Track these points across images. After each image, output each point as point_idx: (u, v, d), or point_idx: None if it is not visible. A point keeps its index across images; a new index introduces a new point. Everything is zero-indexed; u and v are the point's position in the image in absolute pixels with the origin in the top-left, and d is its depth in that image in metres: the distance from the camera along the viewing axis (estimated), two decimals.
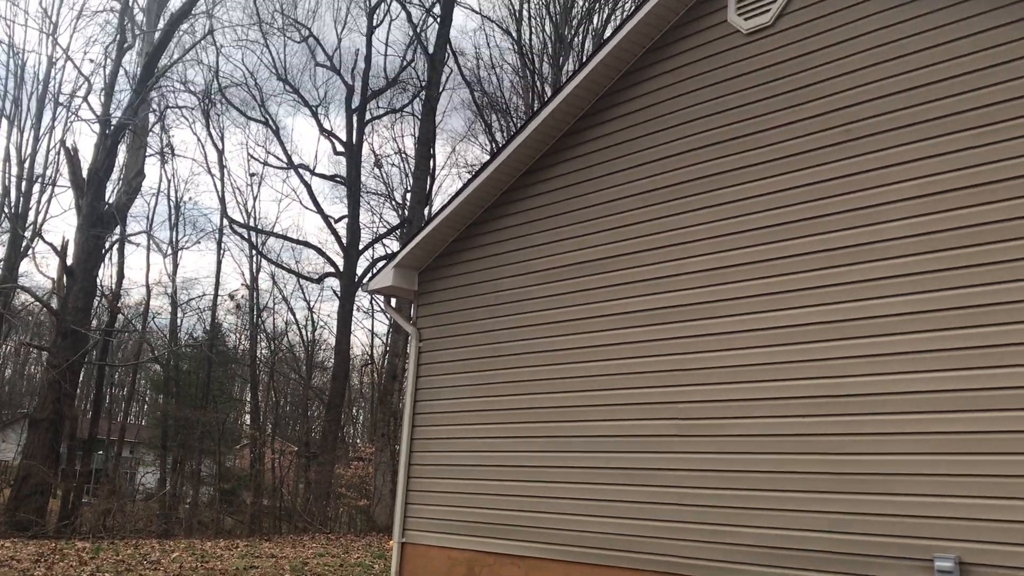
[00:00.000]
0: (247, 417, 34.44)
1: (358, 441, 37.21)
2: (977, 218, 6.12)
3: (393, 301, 16.52)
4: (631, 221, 8.26)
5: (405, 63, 27.70)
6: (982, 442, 5.85)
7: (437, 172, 28.98)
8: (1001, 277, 5.94)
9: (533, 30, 26.28)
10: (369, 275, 25.97)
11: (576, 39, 25.84)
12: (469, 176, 9.51)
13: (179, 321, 34.09)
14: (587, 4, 25.72)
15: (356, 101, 27.18)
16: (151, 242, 32.23)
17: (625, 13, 23.06)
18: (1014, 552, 5.60)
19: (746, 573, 6.82)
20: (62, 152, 24.90)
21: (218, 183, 31.00)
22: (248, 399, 33.96)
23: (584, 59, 13.44)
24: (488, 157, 9.48)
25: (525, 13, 26.08)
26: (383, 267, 10.68)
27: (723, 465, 7.16)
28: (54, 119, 29.27)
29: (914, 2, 6.68)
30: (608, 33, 22.88)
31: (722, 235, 7.51)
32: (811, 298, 6.86)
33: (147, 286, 32.23)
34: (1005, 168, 6.04)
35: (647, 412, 7.78)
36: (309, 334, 35.58)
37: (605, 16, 25.69)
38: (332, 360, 28.68)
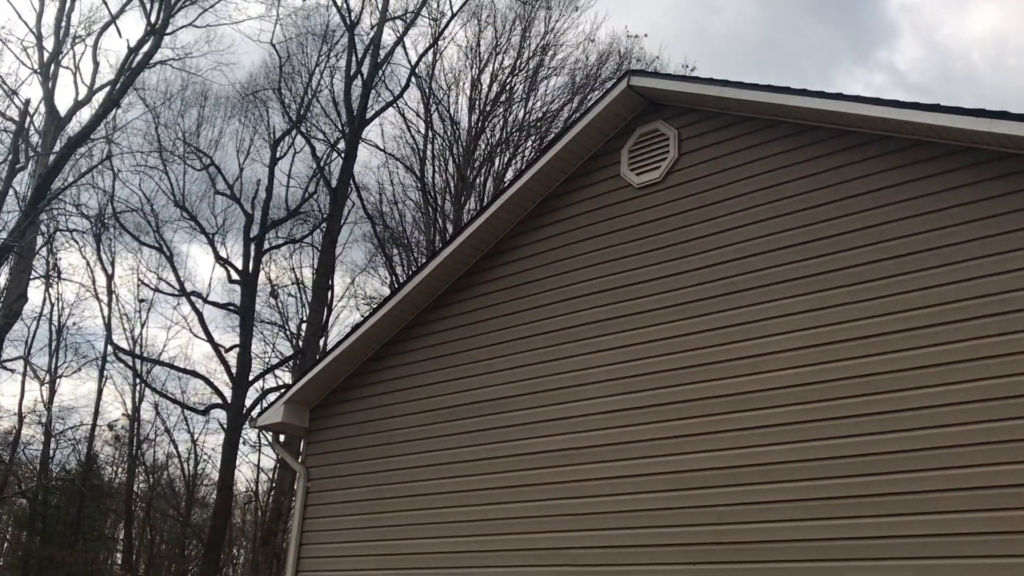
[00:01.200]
0: (119, 557, 32.32)
1: None
2: (856, 370, 6.41)
3: (282, 437, 16.06)
4: (525, 362, 8.34)
5: (307, 195, 27.86)
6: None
7: (335, 304, 28.77)
8: (882, 427, 6.19)
9: (436, 169, 26.92)
10: (258, 408, 25.24)
11: (478, 180, 26.58)
12: (368, 309, 9.52)
13: (52, 452, 32.20)
14: (488, 148, 26.62)
15: (255, 230, 27.06)
16: (28, 368, 30.71)
17: (526, 160, 23.94)
18: None
19: None
20: None
21: (105, 308, 29.91)
22: (121, 537, 31.97)
23: (486, 202, 13.79)
24: (388, 291, 9.54)
25: (428, 153, 26.76)
26: (274, 402, 10.42)
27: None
28: None
29: (791, 167, 7.17)
30: (510, 176, 23.69)
31: (614, 379, 7.65)
32: (700, 443, 6.99)
33: (19, 414, 30.47)
34: (879, 323, 6.40)
35: (539, 558, 7.66)
36: (191, 468, 34.03)
37: (506, 159, 26.58)
38: (214, 496, 27.40)
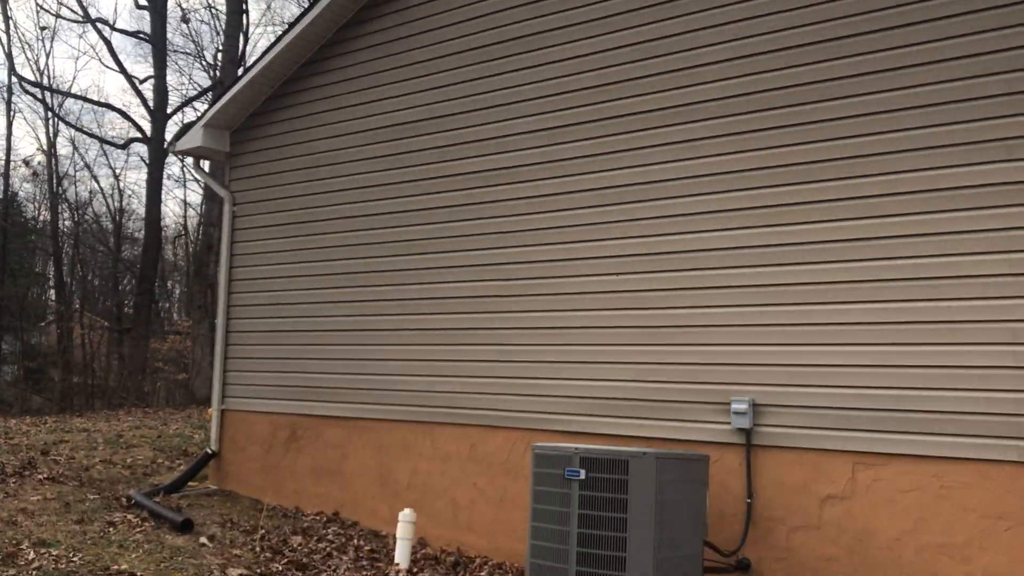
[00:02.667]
0: (52, 292, 32.43)
1: (175, 315, 35.90)
2: (778, 81, 6.37)
3: (206, 165, 15.72)
4: (454, 81, 8.10)
5: None
6: (775, 293, 6.26)
7: (251, 31, 27.29)
8: (809, 137, 6.25)
9: None
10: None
11: None
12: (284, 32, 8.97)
13: None
14: None
15: None
16: None
17: None
18: (799, 392, 6.11)
19: (563, 423, 7.14)
20: None
21: (3, 36, 27.84)
22: (52, 274, 31.88)
23: None
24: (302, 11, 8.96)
25: None
26: (191, 124, 10.04)
27: (542, 322, 7.37)
28: None
29: None
30: None
31: (547, 95, 7.51)
32: (628, 159, 7.02)
33: None
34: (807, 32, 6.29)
35: (469, 274, 7.85)
36: (116, 203, 33.48)
37: None
38: (143, 232, 27.22)
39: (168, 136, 25.32)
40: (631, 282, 6.93)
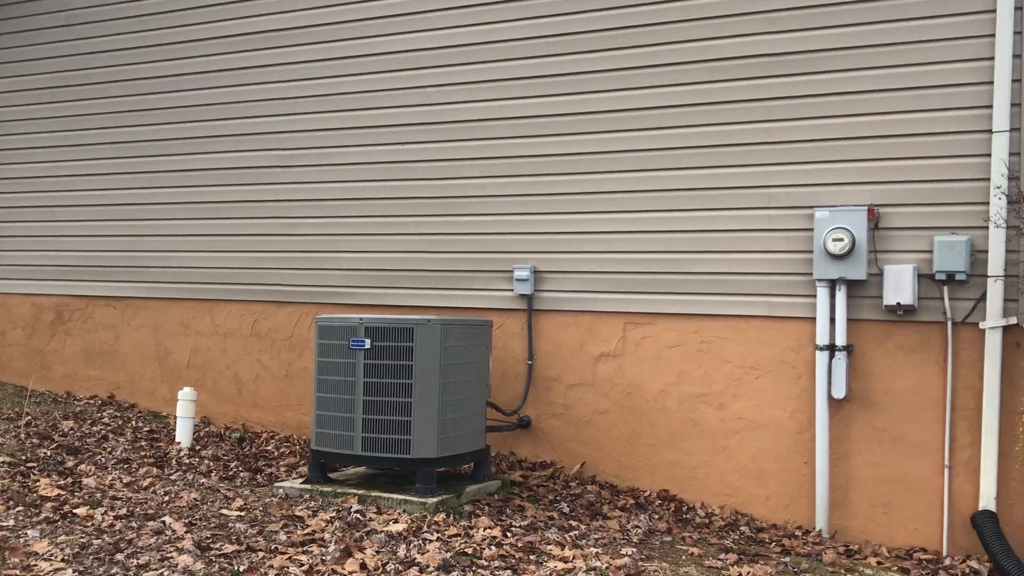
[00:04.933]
0: None
1: None
2: None
3: None
4: None
5: None
6: (552, 163, 6.40)
7: None
8: (565, 8, 6.30)
9: None
10: None
11: None
12: None
13: None
14: None
15: None
16: None
17: None
18: (576, 258, 6.35)
19: (350, 296, 7.10)
20: None
21: None
22: None
23: None
24: None
25: None
26: None
27: (327, 194, 7.20)
28: None
29: None
30: None
31: None
32: (405, 24, 6.85)
33: None
34: None
35: (248, 143, 7.50)
36: None
37: None
38: None
39: None
40: (413, 152, 6.87)
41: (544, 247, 6.44)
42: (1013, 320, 5.17)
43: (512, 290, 6.52)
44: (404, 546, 4.52)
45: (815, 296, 5.64)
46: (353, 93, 7.07)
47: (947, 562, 5.15)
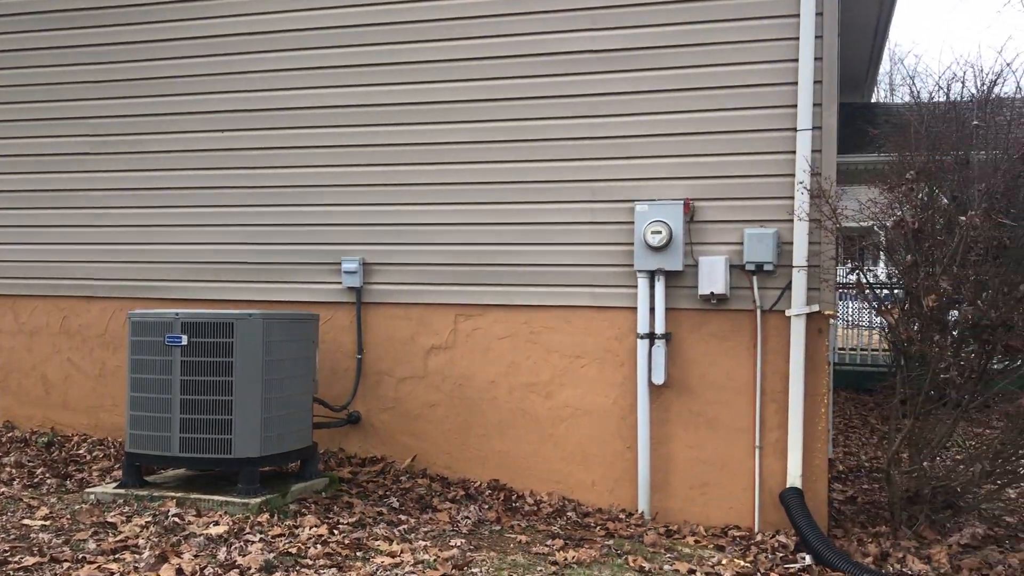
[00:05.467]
0: None
1: None
2: None
3: None
4: None
5: None
6: (384, 153, 6.32)
7: None
8: None
9: None
10: None
11: None
12: None
13: None
14: None
15: None
16: None
17: None
18: (406, 250, 6.30)
19: (168, 290, 6.77)
20: None
21: None
22: None
23: None
24: None
25: None
26: None
27: (141, 183, 6.84)
28: None
29: None
30: None
31: None
32: (225, 8, 6.59)
33: None
34: None
35: (54, 128, 7.02)
36: None
37: None
38: None
39: None
40: (235, 140, 6.62)
41: (374, 239, 6.35)
42: (816, 308, 5.51)
43: (341, 283, 6.40)
44: (224, 549, 4.35)
45: (636, 287, 5.82)
46: (170, 78, 6.74)
47: (758, 538, 5.43)
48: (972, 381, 5.08)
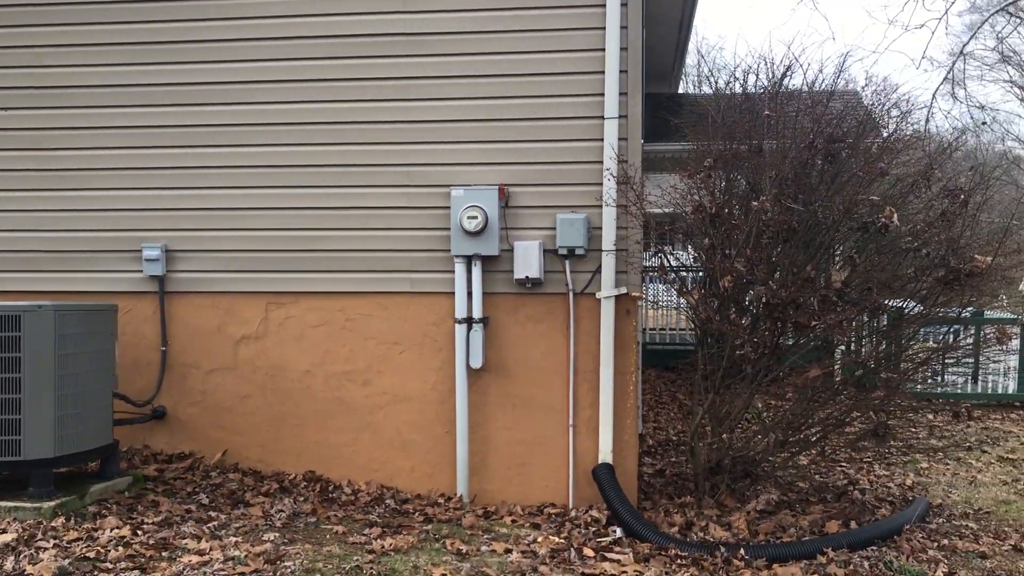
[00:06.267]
0: None
1: None
2: None
3: None
4: None
5: None
6: (185, 134, 6.03)
7: None
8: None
9: None
10: None
11: None
12: None
13: None
14: None
15: None
16: None
17: None
18: (213, 236, 6.04)
19: None
20: None
21: None
22: None
23: None
24: None
25: None
26: None
27: None
28: None
29: None
30: None
31: None
32: None
33: None
34: None
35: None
36: None
37: None
38: None
39: None
40: (19, 119, 6.14)
41: (177, 224, 6.06)
42: (623, 290, 5.70)
43: (142, 271, 6.07)
44: (12, 558, 4.05)
45: (454, 272, 5.83)
46: None
47: (573, 514, 5.59)
48: (766, 356, 5.41)
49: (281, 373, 6.04)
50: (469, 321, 5.82)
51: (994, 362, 9.82)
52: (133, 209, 6.08)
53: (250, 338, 6.06)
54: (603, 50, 5.65)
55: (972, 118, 27.46)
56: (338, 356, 6.00)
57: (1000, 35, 25.36)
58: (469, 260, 5.81)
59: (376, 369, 5.98)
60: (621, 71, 5.64)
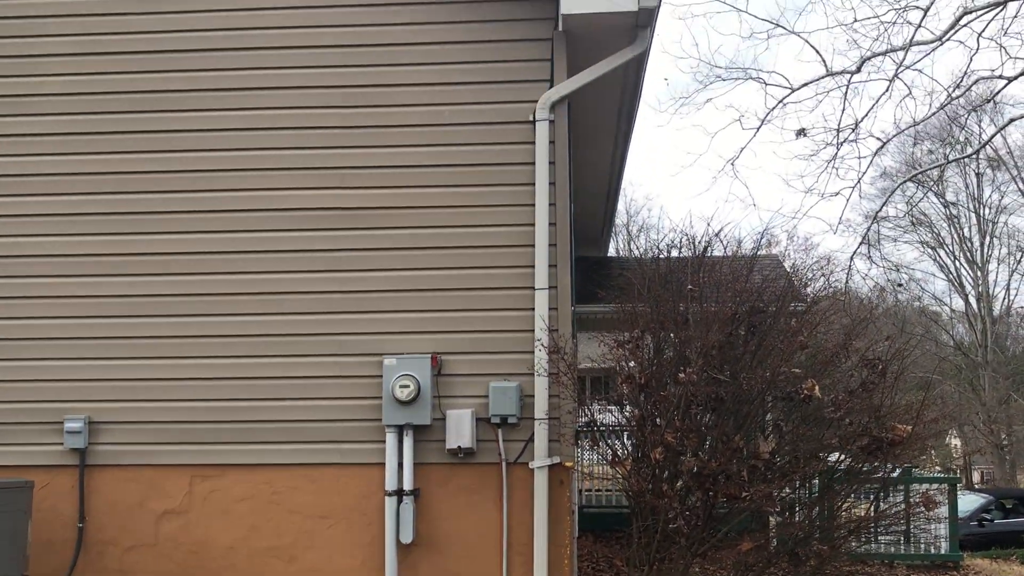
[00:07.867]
0: None
1: None
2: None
3: None
4: None
5: None
6: (107, 305, 5.99)
7: None
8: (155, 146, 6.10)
9: None
10: None
11: None
12: None
13: None
14: None
15: None
16: None
17: None
18: (136, 407, 5.91)
19: None
20: None
21: None
22: None
23: None
24: None
25: None
26: None
27: None
28: None
29: None
30: None
31: None
32: None
33: None
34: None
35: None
36: None
37: None
38: None
39: None
40: None
41: (100, 395, 5.92)
42: (557, 459, 5.68)
43: (63, 444, 5.87)
44: None
45: (385, 442, 5.76)
46: None
47: None
48: (699, 528, 5.38)
49: (204, 550, 5.80)
50: (400, 493, 5.71)
51: (923, 531, 9.87)
52: (57, 380, 5.94)
53: (173, 513, 5.84)
54: (533, 225, 5.84)
55: (888, 280, 28.73)
56: (263, 531, 5.81)
57: (911, 201, 26.93)
58: (401, 429, 5.76)
59: (303, 544, 5.79)
60: (551, 244, 5.82)
